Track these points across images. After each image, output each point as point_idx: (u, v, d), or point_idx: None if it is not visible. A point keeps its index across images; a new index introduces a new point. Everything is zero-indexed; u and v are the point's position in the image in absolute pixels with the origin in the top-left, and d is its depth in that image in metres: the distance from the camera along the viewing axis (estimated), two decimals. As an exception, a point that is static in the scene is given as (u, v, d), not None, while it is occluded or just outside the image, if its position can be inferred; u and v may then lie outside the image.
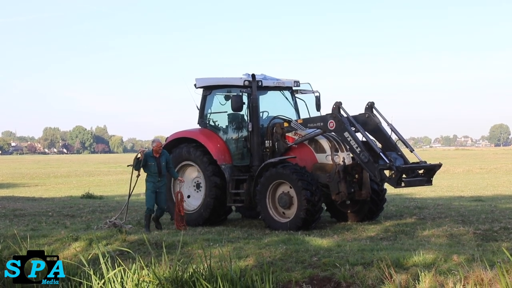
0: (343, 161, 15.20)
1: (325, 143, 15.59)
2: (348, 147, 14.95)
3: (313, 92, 17.30)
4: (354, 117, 15.27)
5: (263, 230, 15.05)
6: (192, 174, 16.92)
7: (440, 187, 28.35)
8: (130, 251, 11.02)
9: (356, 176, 15.47)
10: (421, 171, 14.87)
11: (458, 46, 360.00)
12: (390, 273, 8.95)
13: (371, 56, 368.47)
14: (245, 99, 16.05)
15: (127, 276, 9.45)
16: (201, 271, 9.42)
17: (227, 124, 16.87)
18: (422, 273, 8.94)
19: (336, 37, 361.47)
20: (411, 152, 15.57)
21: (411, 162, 14.94)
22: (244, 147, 16.39)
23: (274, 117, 16.62)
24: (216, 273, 9.08)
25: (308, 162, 15.56)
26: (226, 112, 16.67)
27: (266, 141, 16.15)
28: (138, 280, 9.32)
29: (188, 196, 16.88)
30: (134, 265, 9.70)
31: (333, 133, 15.37)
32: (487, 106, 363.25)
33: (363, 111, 15.54)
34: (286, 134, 16.03)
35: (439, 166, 14.94)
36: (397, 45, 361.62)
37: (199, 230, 15.12)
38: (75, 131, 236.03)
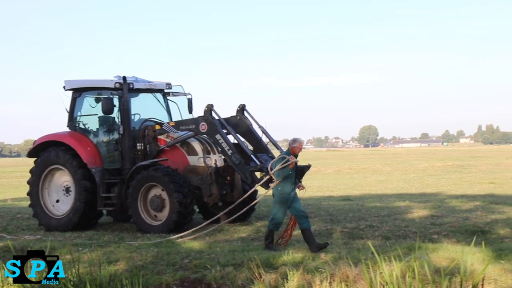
0: (215, 163, 15.31)
1: (197, 146, 15.64)
2: (220, 149, 15.04)
3: (185, 95, 17.29)
4: (226, 119, 15.39)
5: (134, 234, 14.91)
6: (61, 178, 16.48)
7: (311, 187, 28.98)
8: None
9: (228, 178, 15.62)
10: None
11: (327, 49, 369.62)
12: (260, 272, 9.07)
13: (243, 59, 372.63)
14: (116, 101, 15.83)
15: (-10, 285, 9.11)
16: (69, 277, 9.21)
17: (97, 127, 16.57)
18: (291, 272, 9.11)
19: (209, 40, 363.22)
20: (282, 153, 15.84)
21: (281, 163, 15.18)
22: (115, 150, 16.17)
23: (146, 120, 16.49)
24: (85, 279, 8.91)
25: (180, 165, 15.55)
26: (97, 114, 16.35)
27: (138, 144, 16.00)
28: (3, 288, 9.00)
29: (57, 201, 16.49)
30: (-1, 273, 9.37)
31: (205, 135, 15.41)
32: (356, 108, 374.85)
33: (234, 114, 15.69)
34: (158, 136, 15.94)
35: (308, 167, 15.24)
36: (268, 47, 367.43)
37: (68, 235, 14.80)
38: None
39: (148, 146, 15.94)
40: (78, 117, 16.64)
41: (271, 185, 11.97)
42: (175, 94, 17.42)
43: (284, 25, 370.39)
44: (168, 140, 15.94)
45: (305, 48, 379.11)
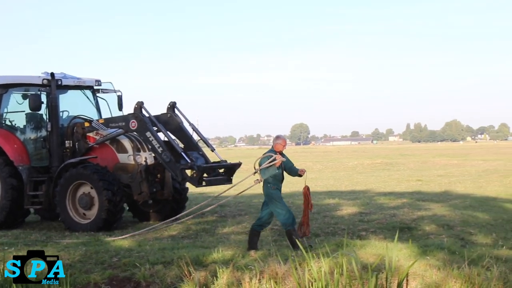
0: (145, 161, 15.21)
1: (127, 143, 15.51)
2: (150, 147, 14.95)
3: (115, 92, 17.11)
4: (156, 117, 15.30)
5: (62, 232, 14.70)
6: (-13, 176, 16.08)
7: (243, 185, 28.97)
8: None
9: (158, 176, 15.55)
10: (221, 170, 15.18)
11: (260, 46, 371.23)
12: (189, 270, 9.04)
13: (174, 57, 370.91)
14: (44, 98, 15.55)
15: None
16: (-6, 277, 9.01)
17: (25, 124, 16.27)
18: (220, 270, 9.12)
19: (139, 38, 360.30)
20: (212, 151, 15.85)
21: (212, 161, 15.22)
22: (43, 147, 15.89)
23: (75, 117, 16.29)
24: (10, 279, 8.73)
25: (109, 162, 15.39)
26: (24, 111, 16.05)
27: (66, 141, 15.79)
28: None
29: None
30: None
31: (135, 133, 15.32)
32: (288, 106, 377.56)
33: (165, 111, 15.61)
34: (87, 134, 15.75)
35: (238, 165, 15.34)
36: (197, 46, 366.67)
37: (-7, 234, 14.47)
38: None
39: (77, 143, 15.73)
40: (4, 114, 16.27)
41: (255, 181, 11.74)
42: (104, 91, 17.23)
43: (215, 23, 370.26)
44: (97, 137, 15.77)
45: (237, 46, 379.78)
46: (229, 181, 15.07)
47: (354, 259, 8.38)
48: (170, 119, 15.43)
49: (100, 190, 14.40)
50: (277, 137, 11.78)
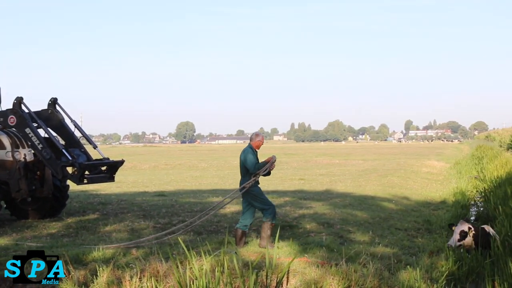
0: (24, 158, 14.78)
1: (5, 139, 15.00)
2: (29, 143, 14.53)
3: (-7, 86, 16.51)
4: (36, 113, 14.89)
5: None
6: None
7: (126, 183, 28.71)
8: None
9: (38, 173, 15.15)
10: (104, 168, 14.95)
11: (141, 43, 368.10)
12: (68, 269, 8.87)
13: (54, 51, 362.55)
14: None
15: None
16: None
17: None
18: (101, 268, 9.00)
19: (18, 31, 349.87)
20: (95, 148, 15.60)
21: (94, 158, 14.97)
22: None
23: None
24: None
25: (-14, 159, 14.85)
26: None
27: None
28: None
29: None
30: None
31: (13, 129, 14.84)
32: (174, 104, 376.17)
33: (46, 107, 15.21)
34: (-39, 129, 15.12)
35: (121, 162, 15.15)
36: (83, 41, 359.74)
37: None
38: None
39: None
40: None
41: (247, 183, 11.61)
42: (-18, 85, 16.58)
43: (100, 17, 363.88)
44: (-27, 133, 15.17)
45: (123, 41, 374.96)
46: (111, 178, 14.87)
47: (235, 257, 8.47)
48: (51, 115, 15.06)
49: (-25, 187, 13.89)
50: (257, 135, 12.04)
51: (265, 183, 28.98)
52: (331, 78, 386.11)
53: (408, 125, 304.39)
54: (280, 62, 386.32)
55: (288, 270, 8.32)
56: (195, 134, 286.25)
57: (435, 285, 9.44)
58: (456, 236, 11.70)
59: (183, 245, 8.47)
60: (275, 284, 8.21)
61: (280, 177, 32.52)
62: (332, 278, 8.98)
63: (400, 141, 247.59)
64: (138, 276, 8.66)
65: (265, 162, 11.57)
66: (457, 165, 42.45)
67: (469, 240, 11.62)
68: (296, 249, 11.16)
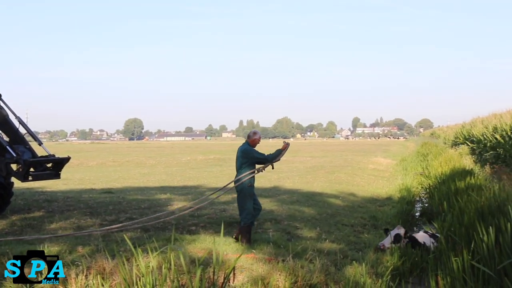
0: (-34, 154, 14.48)
1: None
2: (-27, 139, 14.28)
3: None
4: (-21, 108, 14.64)
5: None
6: None
7: (73, 180, 28.40)
8: None
9: (-19, 170, 14.86)
10: (49, 165, 14.77)
11: (95, 41, 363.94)
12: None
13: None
14: None
15: None
16: None
17: None
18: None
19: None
20: (40, 145, 15.39)
21: (39, 155, 14.78)
22: None
23: None
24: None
25: None
26: None
27: None
28: None
29: None
30: None
31: (-44, 124, 14.56)
32: (121, 101, 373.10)
33: (-11, 103, 14.98)
34: None
35: (67, 159, 14.99)
36: (29, 37, 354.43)
37: None
38: None
39: None
40: None
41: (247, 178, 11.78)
42: None
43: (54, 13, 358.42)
44: None
45: (75, 37, 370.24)
46: (57, 176, 14.70)
47: (182, 253, 8.46)
48: (-6, 111, 14.82)
49: None
50: (254, 133, 12.29)
51: (213, 180, 29.05)
52: (280, 75, 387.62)
53: (356, 123, 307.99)
54: (228, 58, 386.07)
55: (235, 266, 8.36)
56: (143, 131, 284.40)
57: (380, 280, 9.58)
58: (391, 238, 11.94)
59: (129, 242, 8.42)
60: (222, 280, 8.22)
61: (229, 174, 32.52)
62: (279, 274, 9.04)
63: (348, 138, 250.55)
64: (84, 274, 8.59)
65: (280, 150, 11.95)
66: (403, 161, 43.04)
67: (402, 244, 11.87)
68: (243, 245, 11.20)
